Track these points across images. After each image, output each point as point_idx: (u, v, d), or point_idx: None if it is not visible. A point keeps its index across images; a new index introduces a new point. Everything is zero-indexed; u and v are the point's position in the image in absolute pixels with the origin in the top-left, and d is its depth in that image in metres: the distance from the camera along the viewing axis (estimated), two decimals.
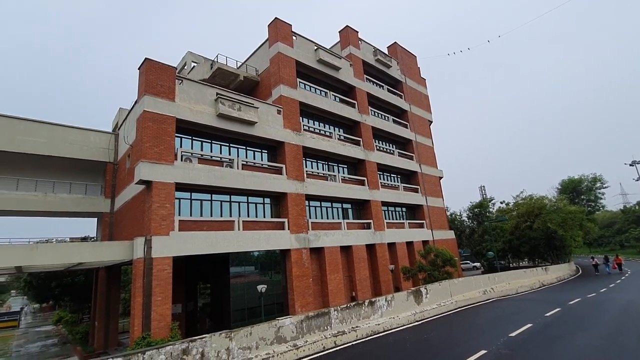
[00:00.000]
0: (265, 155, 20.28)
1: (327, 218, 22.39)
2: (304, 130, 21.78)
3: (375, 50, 30.25)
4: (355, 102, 26.16)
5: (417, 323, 14.54)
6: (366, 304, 13.80)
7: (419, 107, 34.38)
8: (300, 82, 22.44)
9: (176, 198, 15.07)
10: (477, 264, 45.89)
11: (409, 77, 34.34)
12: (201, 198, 16.70)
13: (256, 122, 18.41)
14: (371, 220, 23.99)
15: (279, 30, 21.93)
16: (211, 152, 17.69)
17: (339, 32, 29.14)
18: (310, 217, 20.77)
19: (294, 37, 22.79)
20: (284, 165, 19.54)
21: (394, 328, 13.77)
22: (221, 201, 17.42)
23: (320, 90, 24.16)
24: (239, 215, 17.63)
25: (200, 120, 16.49)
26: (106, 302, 18.70)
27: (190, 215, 15.99)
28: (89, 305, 23.78)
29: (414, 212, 30.20)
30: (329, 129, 24.54)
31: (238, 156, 18.52)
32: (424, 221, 29.35)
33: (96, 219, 21.66)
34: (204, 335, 9.36)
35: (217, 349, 9.32)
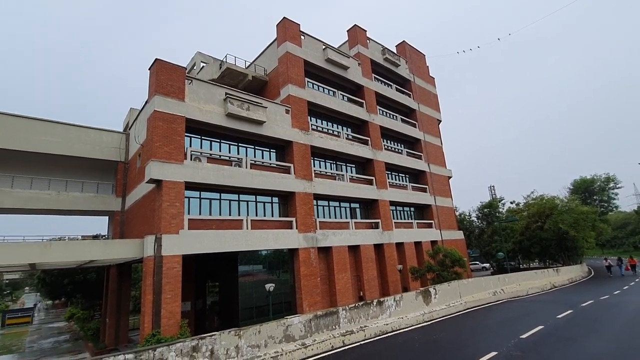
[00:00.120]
0: (273, 155, 20.34)
1: (335, 217, 22.37)
2: (312, 129, 21.79)
3: (384, 49, 30.10)
4: (364, 101, 26.08)
5: (425, 323, 14.45)
6: (374, 303, 13.76)
7: (427, 106, 34.12)
8: (308, 81, 22.45)
9: (186, 197, 15.22)
10: (487, 265, 45.39)
11: (418, 76, 34.10)
12: (210, 197, 16.84)
13: (265, 122, 18.48)
14: (379, 220, 23.90)
15: (288, 29, 21.97)
16: (220, 151, 17.81)
17: (347, 31, 29.07)
18: (318, 217, 20.78)
19: (302, 37, 22.81)
20: (292, 165, 19.58)
21: (403, 328, 13.69)
22: (230, 200, 17.53)
23: (329, 90, 24.14)
24: (248, 214, 17.73)
25: (210, 119, 16.62)
26: (117, 300, 18.97)
27: (200, 214, 16.13)
28: (100, 303, 24.17)
29: (422, 212, 29.99)
30: (337, 128, 24.52)
31: (247, 155, 18.62)
32: (432, 221, 29.13)
33: (107, 217, 21.99)
34: (213, 333, 9.44)
35: (227, 346, 9.39)
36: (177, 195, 14.47)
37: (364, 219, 24.06)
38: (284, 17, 22.28)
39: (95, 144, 18.83)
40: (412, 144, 31.46)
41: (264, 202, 19.02)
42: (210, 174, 15.92)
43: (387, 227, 24.27)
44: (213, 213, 16.62)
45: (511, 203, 45.99)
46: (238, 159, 17.79)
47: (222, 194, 17.24)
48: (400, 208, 28.31)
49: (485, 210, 45.49)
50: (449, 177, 33.94)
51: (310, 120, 22.21)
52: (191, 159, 15.70)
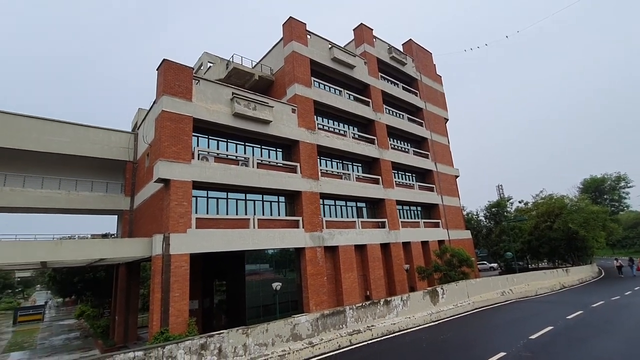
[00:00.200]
0: (280, 154, 20.39)
1: (342, 217, 22.35)
2: (319, 128, 21.78)
3: (390, 48, 29.96)
4: (370, 100, 26.00)
5: (433, 323, 14.37)
6: (382, 303, 13.72)
7: (434, 105, 33.89)
8: (314, 80, 22.45)
9: (193, 196, 15.33)
10: (494, 265, 44.94)
11: (425, 75, 33.89)
12: (217, 196, 16.94)
13: (271, 121, 18.53)
14: (386, 219, 23.82)
15: (294, 29, 21.99)
16: (227, 150, 17.91)
17: (354, 29, 29.00)
18: (324, 216, 20.78)
19: (308, 36, 22.81)
20: (298, 164, 19.61)
21: (410, 328, 13.64)
22: (237, 199, 17.62)
23: (335, 89, 24.10)
24: (254, 214, 17.80)
25: (217, 119, 16.71)
26: (126, 298, 19.19)
27: (207, 213, 16.23)
28: (110, 300, 24.48)
29: (429, 211, 29.81)
30: (344, 127, 24.48)
31: (253, 155, 18.69)
32: (439, 220, 28.94)
33: (116, 216, 22.26)
34: (221, 331, 9.50)
35: (234, 344, 9.44)
36: (185, 194, 14.59)
37: (371, 218, 24.00)
38: (290, 17, 22.30)
39: (104, 144, 19.08)
40: (418, 143, 31.28)
41: (271, 202, 19.08)
42: (217, 173, 16.02)
43: (394, 226, 24.18)
44: (220, 212, 16.72)
45: (519, 202, 45.53)
46: (245, 158, 17.87)
47: (229, 193, 17.34)
48: (407, 207, 28.17)
49: (493, 209, 45.06)
50: (456, 176, 33.68)
51: (317, 119, 22.21)
52: (198, 159, 15.81)
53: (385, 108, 27.66)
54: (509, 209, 44.96)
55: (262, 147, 19.66)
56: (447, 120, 35.43)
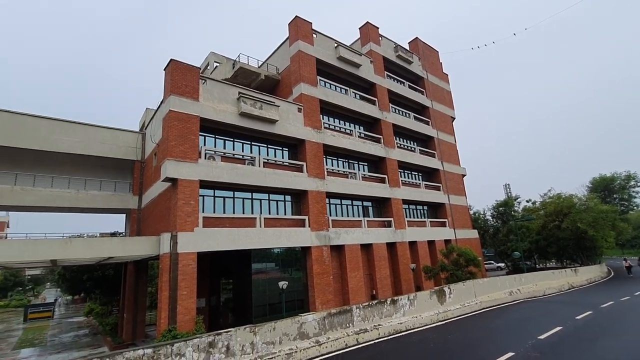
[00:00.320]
0: (286, 153, 20.43)
1: (348, 216, 22.34)
2: (325, 128, 21.77)
3: (396, 46, 29.82)
4: (376, 99, 25.92)
5: (440, 323, 14.31)
6: (388, 302, 13.70)
7: (440, 104, 33.67)
8: (320, 79, 22.44)
9: (200, 195, 15.43)
10: (501, 265, 44.60)
11: (431, 73, 33.68)
12: (224, 195, 17.03)
13: (277, 120, 18.56)
14: (392, 219, 23.75)
15: (300, 28, 21.99)
16: (233, 150, 17.99)
17: (359, 28, 28.91)
18: (330, 215, 20.78)
19: (314, 35, 22.80)
20: (304, 163, 19.63)
21: (417, 327, 13.61)
22: (243, 198, 17.71)
23: (341, 88, 24.07)
24: (261, 213, 17.87)
25: (223, 119, 16.79)
26: (134, 295, 19.41)
27: (214, 212, 16.34)
28: (118, 298, 24.78)
29: (435, 210, 29.65)
30: (350, 126, 24.44)
31: (259, 154, 18.75)
32: (446, 220, 28.79)
33: (125, 215, 22.49)
34: (229, 329, 9.56)
35: (242, 342, 9.50)
36: (192, 193, 14.69)
37: (377, 217, 23.95)
38: (296, 16, 22.30)
39: (112, 144, 19.27)
40: (425, 142, 31.12)
41: (277, 201, 19.13)
42: (224, 172, 16.10)
43: (400, 225, 24.10)
44: (227, 211, 16.82)
45: (527, 202, 45.09)
46: (251, 157, 17.93)
47: (235, 192, 17.43)
48: (413, 206, 28.07)
49: (501, 209, 44.71)
50: (463, 175, 33.46)
51: (323, 118, 22.20)
52: (205, 158, 15.90)
53: (392, 107, 27.56)
54: (516, 208, 44.57)
55: (269, 146, 19.71)
56: (454, 118, 35.19)
